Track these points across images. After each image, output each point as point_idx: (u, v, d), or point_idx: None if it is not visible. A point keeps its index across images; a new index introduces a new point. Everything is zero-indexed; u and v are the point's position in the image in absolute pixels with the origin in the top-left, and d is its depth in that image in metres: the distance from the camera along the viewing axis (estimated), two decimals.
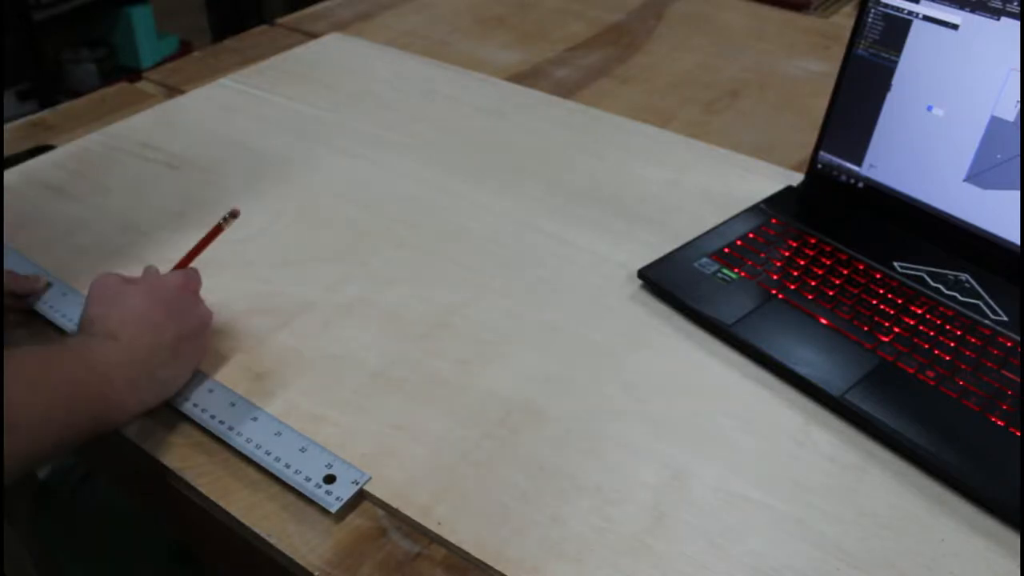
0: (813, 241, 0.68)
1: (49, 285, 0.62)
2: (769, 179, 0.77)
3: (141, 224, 0.70)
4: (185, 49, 2.51)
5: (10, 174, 0.76)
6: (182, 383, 0.54)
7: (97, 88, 0.95)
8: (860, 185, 0.72)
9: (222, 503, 0.49)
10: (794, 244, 0.68)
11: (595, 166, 0.80)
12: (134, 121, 0.84)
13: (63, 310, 0.61)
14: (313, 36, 1.04)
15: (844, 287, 0.63)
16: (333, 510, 0.48)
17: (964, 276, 0.64)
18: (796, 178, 0.77)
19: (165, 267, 0.59)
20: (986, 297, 0.63)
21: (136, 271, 0.57)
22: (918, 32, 0.65)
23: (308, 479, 0.49)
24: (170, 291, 0.54)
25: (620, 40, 1.07)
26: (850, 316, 0.61)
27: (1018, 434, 0.52)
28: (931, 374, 0.56)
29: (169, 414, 0.54)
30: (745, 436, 0.53)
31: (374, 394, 0.55)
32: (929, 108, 0.66)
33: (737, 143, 0.84)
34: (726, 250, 0.67)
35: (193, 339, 0.54)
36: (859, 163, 0.71)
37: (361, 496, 0.49)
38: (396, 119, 0.86)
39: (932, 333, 0.59)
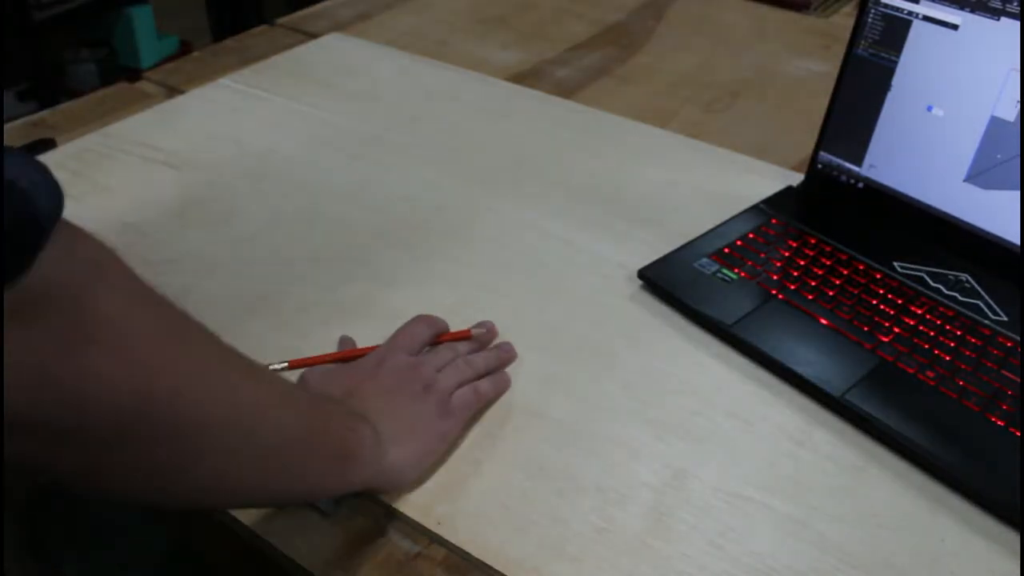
0: (813, 241, 0.68)
1: None
2: (769, 179, 0.77)
3: (141, 224, 0.70)
4: (185, 49, 2.51)
5: None
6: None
7: (97, 88, 0.95)
8: (860, 185, 0.72)
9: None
10: (794, 244, 0.68)
11: (595, 166, 0.80)
12: (134, 121, 0.84)
13: None
14: (313, 36, 1.04)
15: (844, 287, 0.63)
16: (328, 512, 0.48)
17: (964, 276, 0.64)
18: (796, 178, 0.77)
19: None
20: (986, 297, 0.63)
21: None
22: (918, 32, 0.65)
23: None
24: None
25: (620, 40, 1.07)
26: (850, 316, 0.61)
27: (1018, 434, 0.52)
28: (931, 374, 0.56)
29: None
30: (745, 436, 0.53)
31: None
32: (929, 108, 0.66)
33: (737, 143, 0.84)
34: (726, 250, 0.67)
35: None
36: (859, 163, 0.71)
37: (358, 497, 0.49)
38: (396, 119, 0.86)
39: (932, 333, 0.59)
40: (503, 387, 0.56)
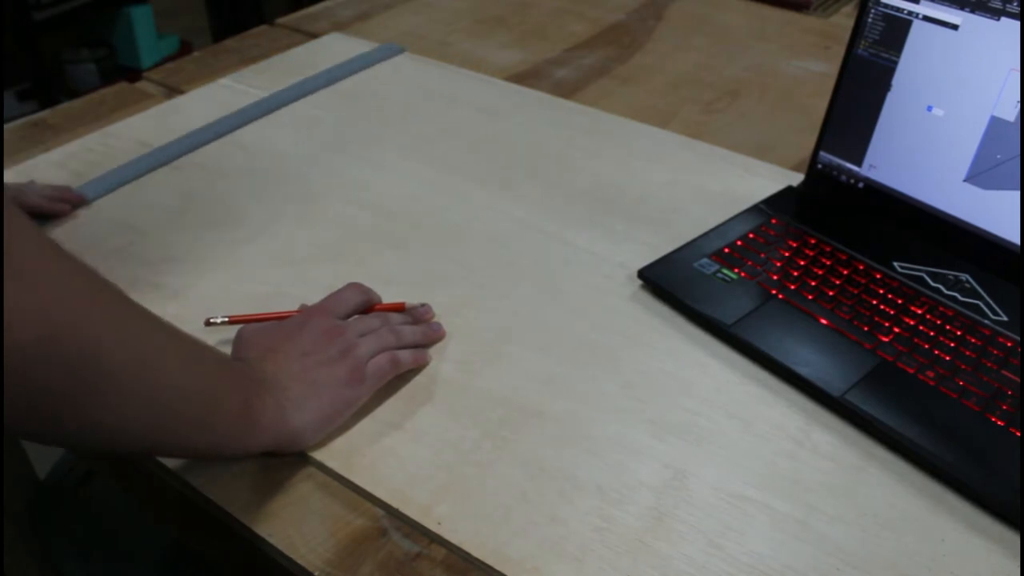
0: (813, 241, 0.68)
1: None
2: (769, 179, 0.77)
3: (141, 224, 0.70)
4: (185, 49, 2.51)
5: (10, 174, 0.76)
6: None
7: (97, 88, 0.95)
8: (860, 185, 0.72)
9: (222, 503, 0.49)
10: (794, 244, 0.68)
11: (595, 166, 0.80)
12: (134, 121, 0.84)
13: None
14: (313, 36, 1.04)
15: (844, 287, 0.63)
16: None
17: (964, 276, 0.64)
18: (796, 178, 0.77)
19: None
20: (986, 297, 0.63)
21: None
22: (918, 32, 0.65)
23: None
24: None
25: (620, 40, 1.07)
26: (850, 316, 0.61)
27: (1018, 434, 0.52)
28: (931, 374, 0.56)
29: None
30: (745, 436, 0.54)
31: (374, 394, 0.55)
32: (929, 108, 0.66)
33: (737, 143, 0.84)
34: (726, 250, 0.67)
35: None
36: (859, 163, 0.71)
37: (362, 495, 0.49)
38: (396, 119, 0.86)
39: (932, 333, 0.59)
40: (423, 361, 0.57)
